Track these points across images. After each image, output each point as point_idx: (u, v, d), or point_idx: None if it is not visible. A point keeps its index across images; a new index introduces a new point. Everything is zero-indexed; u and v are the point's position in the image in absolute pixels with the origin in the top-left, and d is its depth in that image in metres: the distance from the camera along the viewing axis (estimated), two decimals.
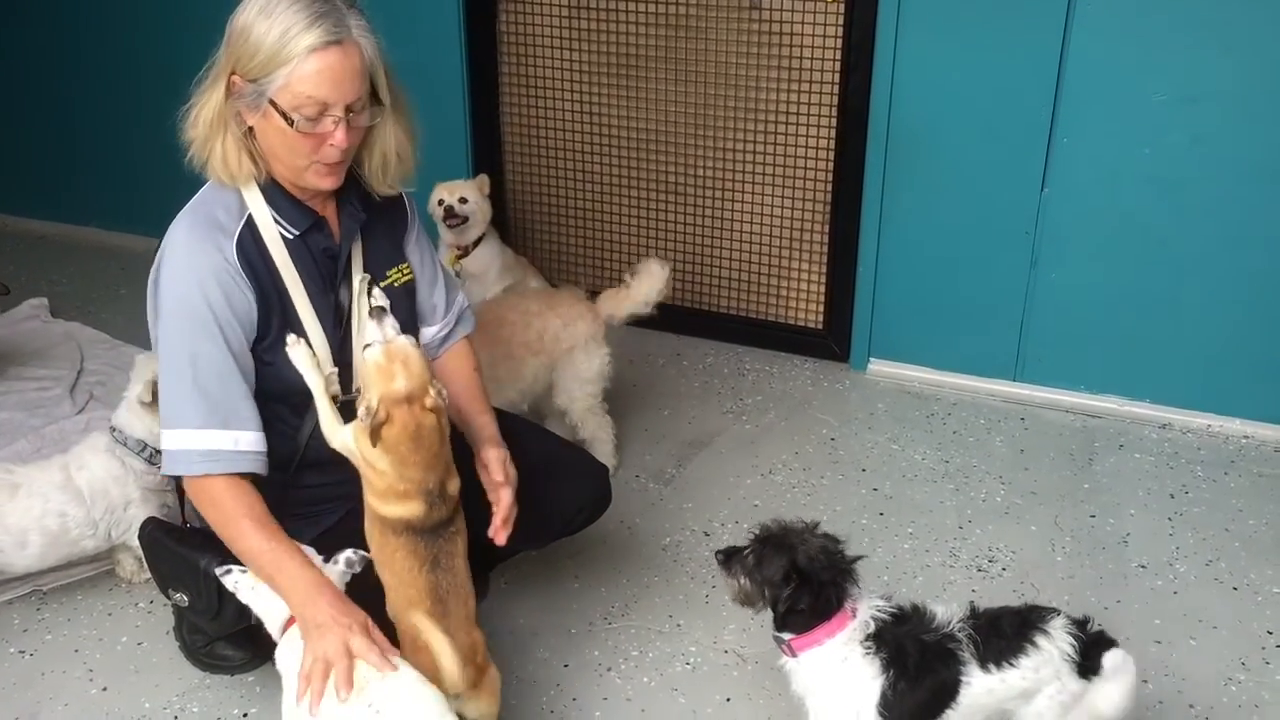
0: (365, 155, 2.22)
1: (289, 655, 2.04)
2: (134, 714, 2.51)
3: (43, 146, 5.13)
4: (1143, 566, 3.00)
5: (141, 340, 3.88)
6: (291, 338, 2.17)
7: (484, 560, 2.67)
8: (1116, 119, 3.38)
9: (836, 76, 3.76)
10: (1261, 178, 3.30)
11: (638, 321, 3.46)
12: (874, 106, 3.63)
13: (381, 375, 2.00)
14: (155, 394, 2.63)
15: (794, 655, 2.11)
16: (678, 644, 2.70)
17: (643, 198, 4.24)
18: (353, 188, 2.26)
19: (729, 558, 2.13)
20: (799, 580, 2.04)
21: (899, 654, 2.04)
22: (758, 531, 2.12)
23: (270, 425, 2.30)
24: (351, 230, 2.27)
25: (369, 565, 2.15)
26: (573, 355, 3.27)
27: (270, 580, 2.08)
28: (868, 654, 2.05)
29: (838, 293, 4.01)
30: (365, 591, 2.13)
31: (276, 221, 2.18)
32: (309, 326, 2.22)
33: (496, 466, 2.28)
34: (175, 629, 2.68)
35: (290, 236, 2.20)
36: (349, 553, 2.14)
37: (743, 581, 2.10)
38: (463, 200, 3.77)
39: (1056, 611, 2.10)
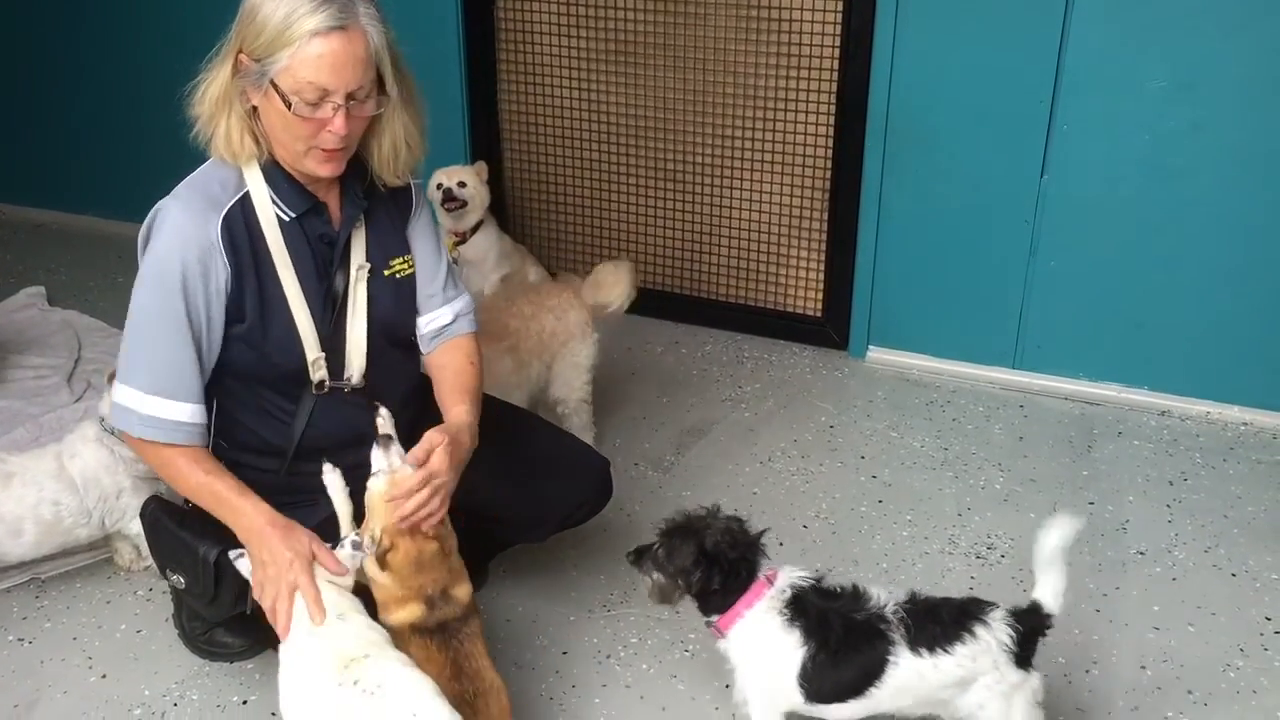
0: (374, 144, 2.21)
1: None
2: (133, 701, 2.51)
3: (40, 135, 5.12)
4: (1141, 553, 3.00)
5: None
6: (328, 467, 2.21)
7: (483, 550, 2.68)
8: (1115, 106, 3.38)
9: (835, 64, 3.75)
10: (1261, 164, 3.30)
11: (635, 309, 3.46)
12: (873, 93, 3.63)
13: (386, 506, 2.07)
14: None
15: (724, 634, 2.14)
16: (676, 631, 2.70)
17: (641, 185, 4.23)
18: (357, 175, 2.25)
19: (640, 556, 2.16)
20: (708, 562, 2.08)
21: (822, 626, 2.07)
22: (663, 526, 2.15)
23: (264, 413, 2.30)
24: (352, 217, 2.26)
25: None
26: (569, 346, 3.28)
27: (217, 515, 2.15)
28: (787, 622, 2.08)
29: (836, 280, 4.01)
30: None
31: (274, 202, 2.17)
32: (295, 308, 2.21)
33: (422, 445, 2.13)
34: (174, 616, 2.68)
35: (286, 218, 2.19)
36: (353, 535, 2.15)
37: (655, 577, 2.14)
38: (461, 184, 3.77)
39: (996, 605, 2.11)
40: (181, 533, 2.37)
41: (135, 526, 2.75)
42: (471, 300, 2.53)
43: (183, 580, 2.40)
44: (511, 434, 2.47)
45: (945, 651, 2.04)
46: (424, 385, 2.44)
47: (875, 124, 3.65)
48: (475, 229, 3.86)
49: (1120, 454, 3.45)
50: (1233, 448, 3.47)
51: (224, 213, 2.13)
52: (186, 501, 2.50)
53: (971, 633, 2.05)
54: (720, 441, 3.52)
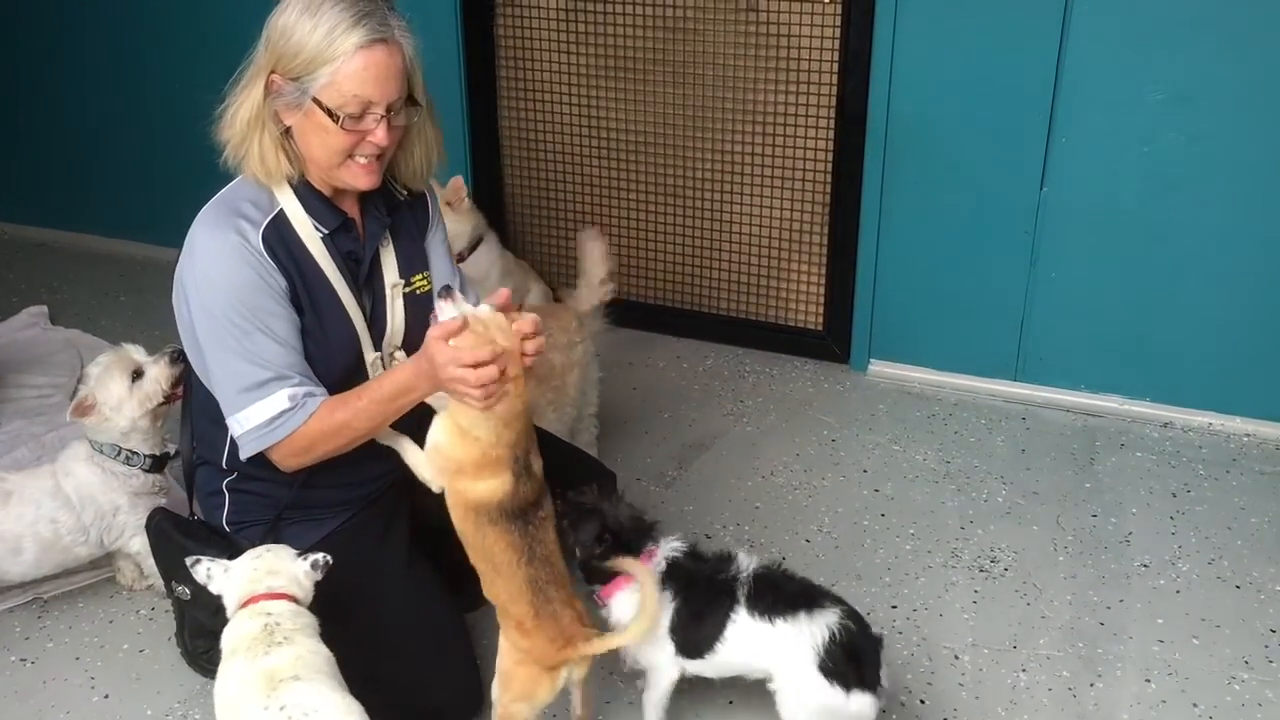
0: (402, 157, 2.26)
1: (231, 635, 2.04)
2: None
3: (44, 154, 5.13)
4: (1145, 565, 2.99)
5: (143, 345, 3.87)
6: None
7: None
8: (1114, 118, 3.38)
9: (834, 77, 3.76)
10: (1259, 176, 3.30)
11: (637, 324, 3.45)
12: (872, 107, 3.63)
13: (479, 344, 2.00)
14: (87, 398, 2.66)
15: (605, 602, 2.33)
16: None
17: (641, 200, 4.24)
18: (380, 191, 2.28)
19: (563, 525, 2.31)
20: (612, 539, 2.26)
21: (690, 586, 2.28)
22: (568, 501, 2.30)
23: None
24: (376, 234, 2.28)
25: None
26: (586, 365, 3.28)
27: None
28: (663, 587, 2.26)
29: (837, 294, 4.01)
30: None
31: (312, 222, 2.20)
32: (352, 313, 2.24)
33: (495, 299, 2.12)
34: (177, 635, 2.68)
35: (323, 234, 2.21)
36: (318, 556, 2.14)
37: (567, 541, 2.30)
38: None
39: (840, 604, 2.22)
40: (186, 542, 2.37)
41: (136, 544, 2.75)
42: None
43: (188, 591, 2.40)
44: None
45: (769, 620, 2.21)
46: None
47: (875, 137, 3.66)
48: (474, 247, 3.84)
49: (1123, 466, 3.44)
50: (1235, 459, 3.46)
51: (262, 230, 2.14)
52: (191, 512, 2.51)
53: (795, 614, 2.19)
54: (722, 456, 3.52)
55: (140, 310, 4.42)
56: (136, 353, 2.75)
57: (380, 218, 2.30)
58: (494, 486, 2.07)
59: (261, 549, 2.16)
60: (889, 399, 3.86)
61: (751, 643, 2.23)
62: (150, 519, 2.52)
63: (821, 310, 4.10)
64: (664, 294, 4.33)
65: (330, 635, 2.09)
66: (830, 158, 3.87)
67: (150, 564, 2.66)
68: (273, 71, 2.08)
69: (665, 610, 2.26)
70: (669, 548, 2.32)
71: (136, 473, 2.74)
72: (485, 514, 2.08)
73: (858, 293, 3.91)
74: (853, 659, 2.15)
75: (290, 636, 2.00)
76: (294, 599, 2.09)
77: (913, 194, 3.69)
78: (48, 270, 4.90)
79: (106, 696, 2.58)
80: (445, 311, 2.04)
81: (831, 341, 4.07)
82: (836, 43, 3.71)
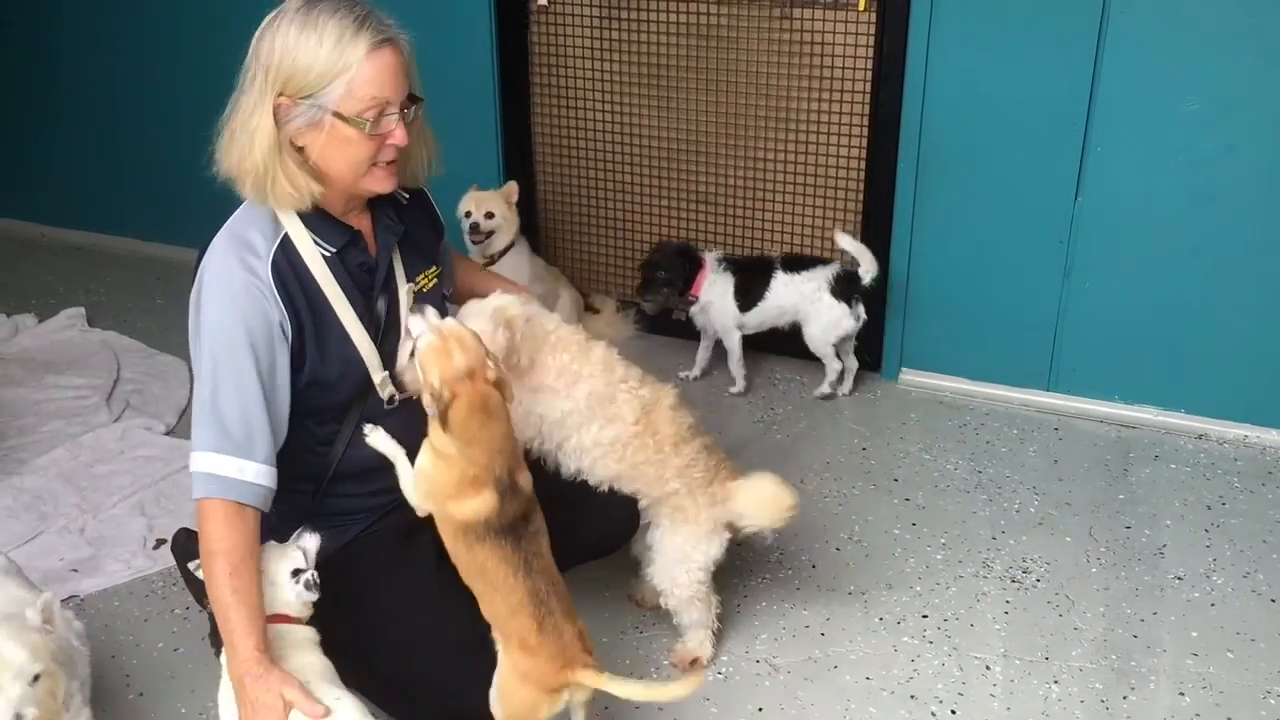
0: (413, 154, 2.26)
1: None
2: None
3: (81, 158, 5.20)
4: (1179, 578, 2.97)
5: (176, 348, 3.94)
6: (368, 428, 2.22)
7: None
8: (1150, 128, 3.36)
9: (868, 86, 3.76)
10: None
11: (667, 330, 3.49)
12: (905, 116, 3.63)
13: (439, 357, 2.03)
14: None
15: (696, 298, 3.82)
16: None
17: (673, 207, 4.25)
18: (386, 198, 2.28)
19: (647, 286, 3.82)
20: (668, 276, 3.79)
21: (741, 269, 3.82)
22: (644, 263, 3.87)
23: (305, 440, 2.31)
24: (389, 243, 2.29)
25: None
26: None
27: (220, 623, 2.06)
28: (724, 271, 3.81)
29: (869, 302, 3.99)
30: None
31: (315, 242, 2.18)
32: (355, 336, 2.23)
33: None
34: (210, 635, 2.67)
35: (328, 254, 2.20)
36: (309, 575, 2.14)
37: (661, 292, 3.82)
38: (489, 215, 3.79)
39: (836, 263, 3.77)
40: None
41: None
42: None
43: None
44: (538, 468, 2.46)
45: (798, 273, 3.74)
46: None
47: (908, 146, 3.66)
48: (505, 251, 3.88)
49: (1157, 478, 3.42)
50: (1271, 472, 3.43)
51: (270, 260, 2.13)
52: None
53: (813, 268, 3.75)
54: (753, 463, 3.47)
55: (176, 313, 4.37)
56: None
57: (393, 225, 2.30)
58: (477, 505, 2.07)
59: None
60: (920, 408, 3.84)
61: (786, 290, 3.74)
62: (175, 540, 2.52)
63: None
64: None
65: (355, 641, 2.13)
66: (863, 166, 3.87)
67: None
68: (280, 95, 2.04)
69: (730, 283, 3.78)
70: (712, 256, 3.82)
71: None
72: (473, 532, 2.08)
73: (890, 301, 3.90)
74: (848, 290, 3.69)
75: (284, 654, 2.04)
76: (286, 619, 2.12)
77: (946, 203, 3.68)
78: (85, 273, 4.96)
79: (141, 694, 2.61)
80: (415, 325, 2.10)
81: (863, 350, 4.06)
82: (870, 51, 3.71)
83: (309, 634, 2.13)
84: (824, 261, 3.77)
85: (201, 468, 2.10)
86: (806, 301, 3.73)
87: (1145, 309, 3.57)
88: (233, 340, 2.08)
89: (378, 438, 2.24)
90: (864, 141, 3.84)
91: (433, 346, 2.04)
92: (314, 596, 2.14)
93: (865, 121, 3.81)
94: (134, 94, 4.93)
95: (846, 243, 3.67)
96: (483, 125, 4.25)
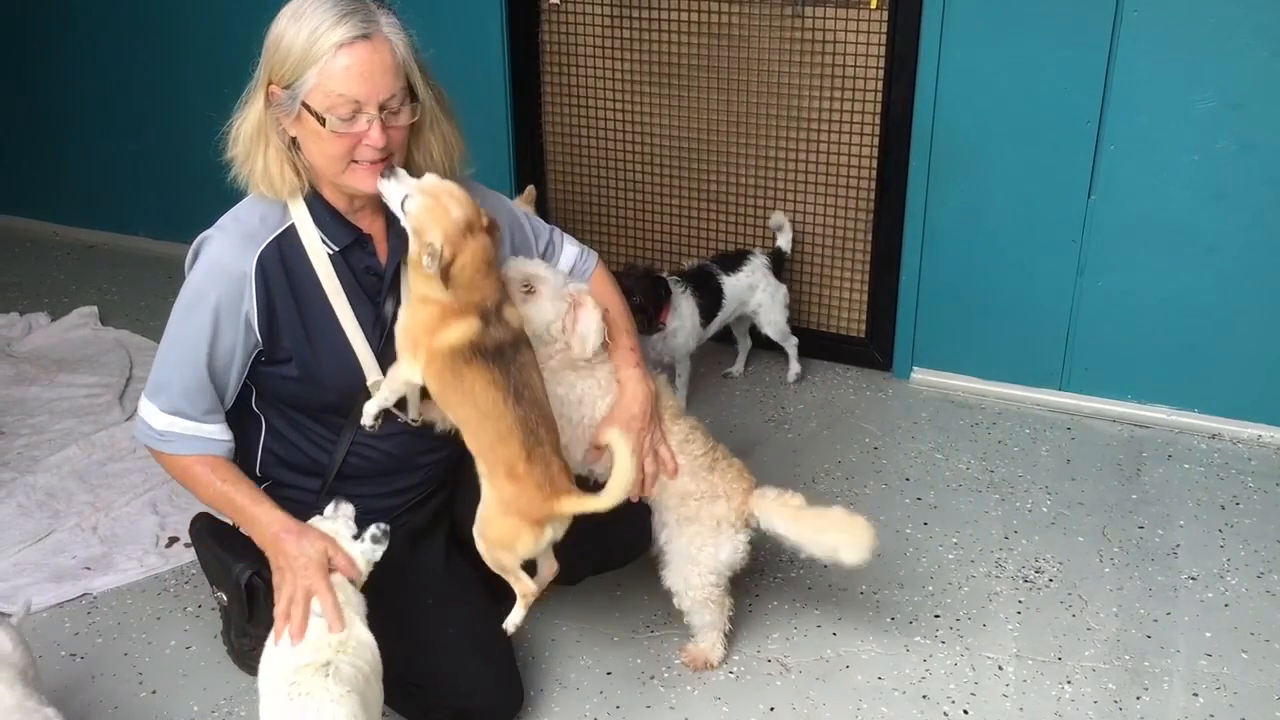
0: (420, 157, 2.20)
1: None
2: (182, 717, 2.53)
3: (93, 157, 5.22)
4: (1193, 578, 2.96)
5: None
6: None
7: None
8: (1164, 125, 3.35)
9: (880, 84, 3.75)
10: None
11: None
12: (917, 114, 3.62)
13: (435, 214, 2.00)
14: None
15: (663, 326, 3.58)
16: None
17: (685, 206, 4.24)
18: None
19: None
20: (654, 285, 3.53)
21: (692, 281, 3.69)
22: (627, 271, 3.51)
23: (310, 437, 2.31)
24: (399, 249, 2.25)
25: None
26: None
27: (238, 524, 2.17)
28: (685, 292, 3.66)
29: (880, 301, 3.99)
30: None
31: (322, 239, 2.18)
32: (351, 336, 2.22)
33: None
34: (223, 633, 2.71)
35: (331, 251, 2.20)
36: (374, 529, 2.17)
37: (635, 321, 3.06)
38: None
39: (756, 250, 3.87)
40: (222, 552, 2.38)
41: None
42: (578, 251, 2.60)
43: (225, 597, 2.43)
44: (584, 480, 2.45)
45: (738, 271, 3.77)
46: None
47: (920, 144, 3.65)
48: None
49: (1170, 477, 3.40)
50: None
51: (261, 248, 2.14)
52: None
53: (746, 260, 3.79)
54: (764, 463, 3.51)
55: None
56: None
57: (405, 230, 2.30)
58: (461, 330, 2.04)
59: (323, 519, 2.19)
60: (932, 407, 3.84)
61: (735, 292, 3.76)
62: (193, 525, 2.53)
63: (864, 317, 4.08)
64: None
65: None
66: (875, 164, 3.86)
67: None
68: (270, 82, 2.06)
69: (691, 305, 3.63)
70: (671, 279, 3.63)
71: None
72: (460, 356, 2.04)
73: (901, 300, 3.89)
74: (779, 268, 3.87)
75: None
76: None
77: (958, 201, 3.67)
78: (98, 272, 4.98)
79: (154, 692, 2.61)
80: (387, 190, 2.05)
81: (874, 349, 4.06)
82: (882, 49, 3.70)
83: (360, 601, 2.13)
84: (749, 252, 3.86)
85: (153, 421, 2.22)
86: (754, 293, 3.81)
87: (1158, 308, 3.56)
88: (200, 316, 2.14)
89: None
90: (876, 140, 3.83)
91: (425, 207, 2.01)
92: (384, 547, 2.15)
93: (877, 120, 3.80)
94: (146, 94, 4.94)
95: (777, 219, 3.89)
96: (494, 125, 4.25)
